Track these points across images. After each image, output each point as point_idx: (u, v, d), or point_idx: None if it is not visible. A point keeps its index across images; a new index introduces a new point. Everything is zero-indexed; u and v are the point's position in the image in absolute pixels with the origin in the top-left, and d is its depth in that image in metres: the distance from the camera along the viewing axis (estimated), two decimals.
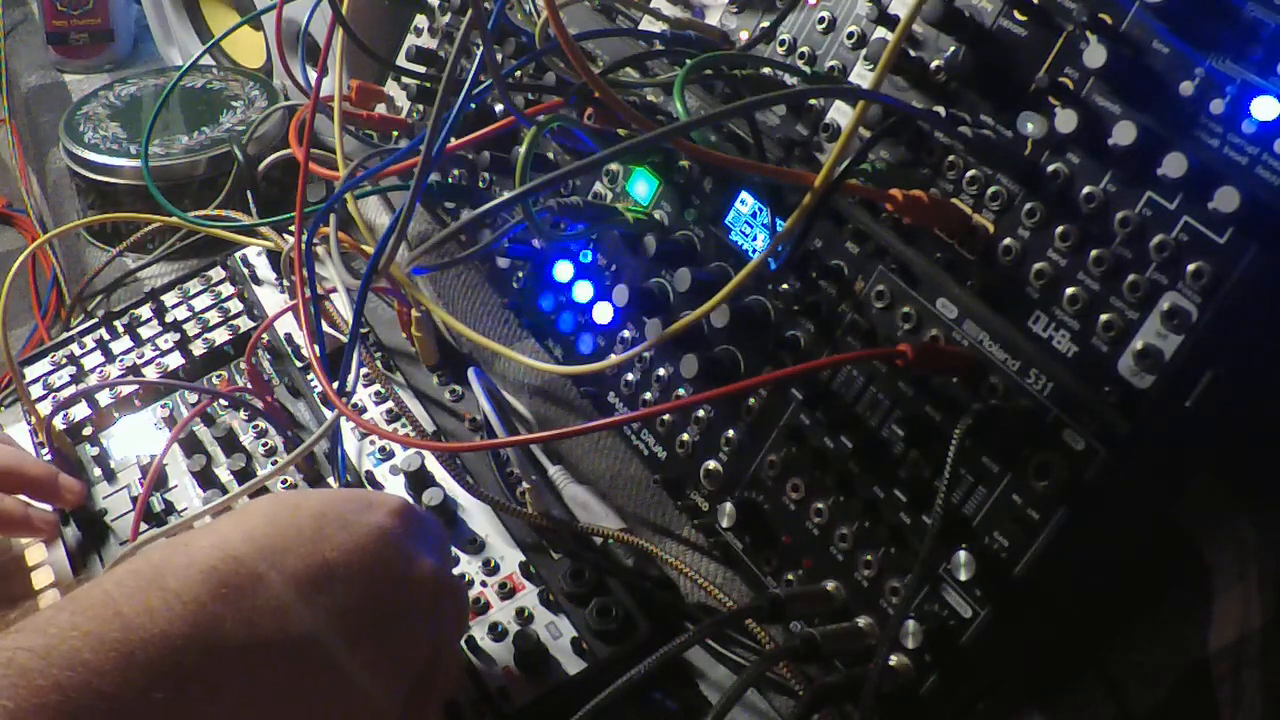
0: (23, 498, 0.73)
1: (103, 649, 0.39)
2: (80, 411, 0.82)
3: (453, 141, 0.68)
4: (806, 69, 0.66)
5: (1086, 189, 0.52)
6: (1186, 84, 0.50)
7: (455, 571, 0.66)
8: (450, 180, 0.89)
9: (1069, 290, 0.52)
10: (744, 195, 0.67)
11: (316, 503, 0.51)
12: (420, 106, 0.96)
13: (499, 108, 0.81)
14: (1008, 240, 0.55)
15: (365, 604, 0.48)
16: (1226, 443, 0.52)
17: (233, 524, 0.48)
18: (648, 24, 0.78)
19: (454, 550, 0.67)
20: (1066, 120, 0.52)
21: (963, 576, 0.52)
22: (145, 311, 0.92)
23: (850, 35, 0.65)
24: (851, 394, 0.59)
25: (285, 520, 0.49)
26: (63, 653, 0.39)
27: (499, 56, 0.84)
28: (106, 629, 0.40)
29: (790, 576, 0.61)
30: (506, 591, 0.65)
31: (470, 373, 0.77)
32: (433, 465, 0.72)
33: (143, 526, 0.72)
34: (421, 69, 0.91)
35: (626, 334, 0.74)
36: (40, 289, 1.53)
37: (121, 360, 0.87)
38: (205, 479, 0.75)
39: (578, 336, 0.77)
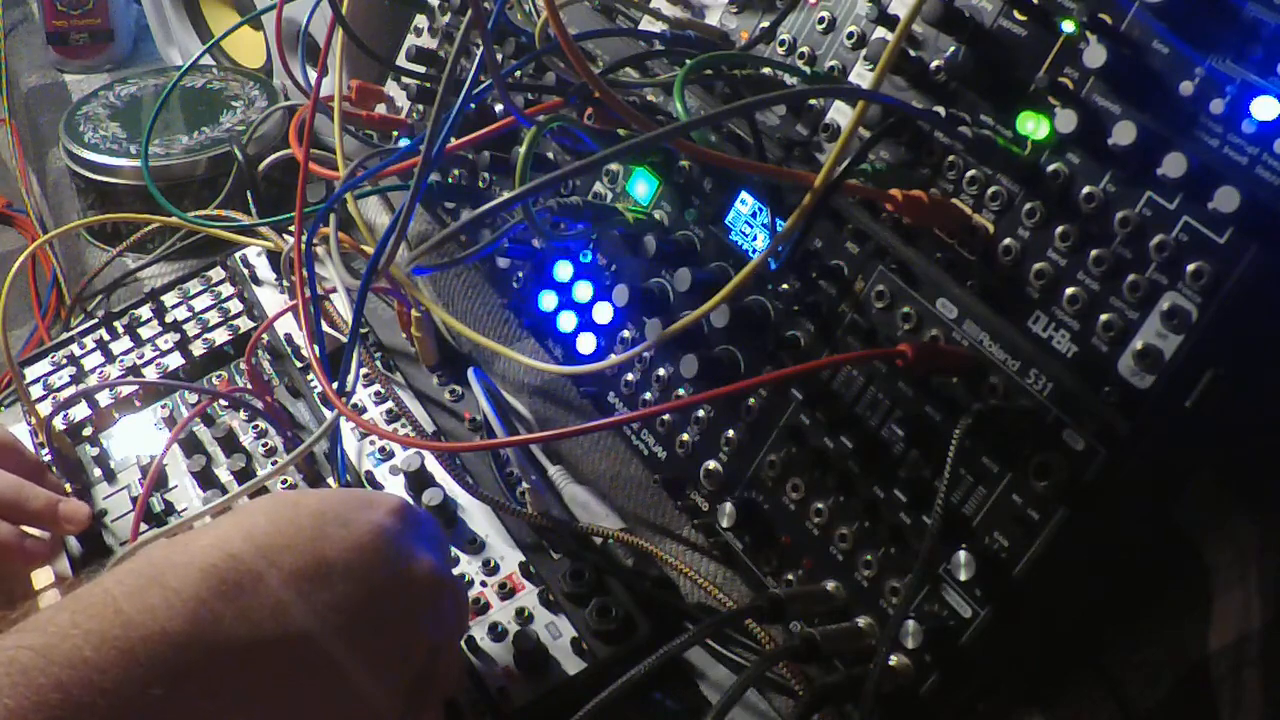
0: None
1: (103, 646, 0.39)
2: (80, 412, 0.82)
3: (453, 141, 0.68)
4: (806, 69, 0.66)
5: (1086, 189, 0.52)
6: (1186, 84, 0.50)
7: (455, 572, 0.66)
8: (450, 180, 0.89)
9: (1069, 290, 0.52)
10: (744, 195, 0.67)
11: (316, 501, 0.51)
12: (420, 106, 0.96)
13: (499, 108, 0.80)
14: (1008, 240, 0.55)
15: (364, 602, 0.48)
16: (1226, 443, 0.52)
17: (232, 523, 0.48)
18: (648, 24, 0.78)
19: (454, 550, 0.67)
20: (1066, 120, 0.52)
21: (963, 576, 0.52)
22: (145, 312, 0.92)
23: (850, 35, 0.65)
24: (851, 394, 0.59)
25: (285, 518, 0.49)
26: (63, 651, 0.39)
27: (499, 56, 0.84)
28: (107, 627, 0.40)
29: (790, 576, 0.61)
30: (506, 592, 0.65)
31: (470, 373, 0.77)
32: (432, 465, 0.72)
33: (143, 527, 0.71)
34: (421, 69, 0.91)
35: (626, 334, 0.74)
36: (40, 289, 1.53)
37: (121, 360, 0.87)
38: (205, 479, 0.75)
39: (578, 336, 0.77)
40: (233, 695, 0.42)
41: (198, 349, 0.86)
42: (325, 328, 0.76)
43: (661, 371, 0.71)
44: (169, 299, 0.93)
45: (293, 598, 0.45)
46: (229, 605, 0.43)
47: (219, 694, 0.42)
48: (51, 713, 0.37)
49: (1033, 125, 0.55)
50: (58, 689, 0.38)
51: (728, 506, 0.64)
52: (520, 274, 0.83)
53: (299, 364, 0.83)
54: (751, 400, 0.65)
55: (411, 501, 0.70)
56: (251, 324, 0.88)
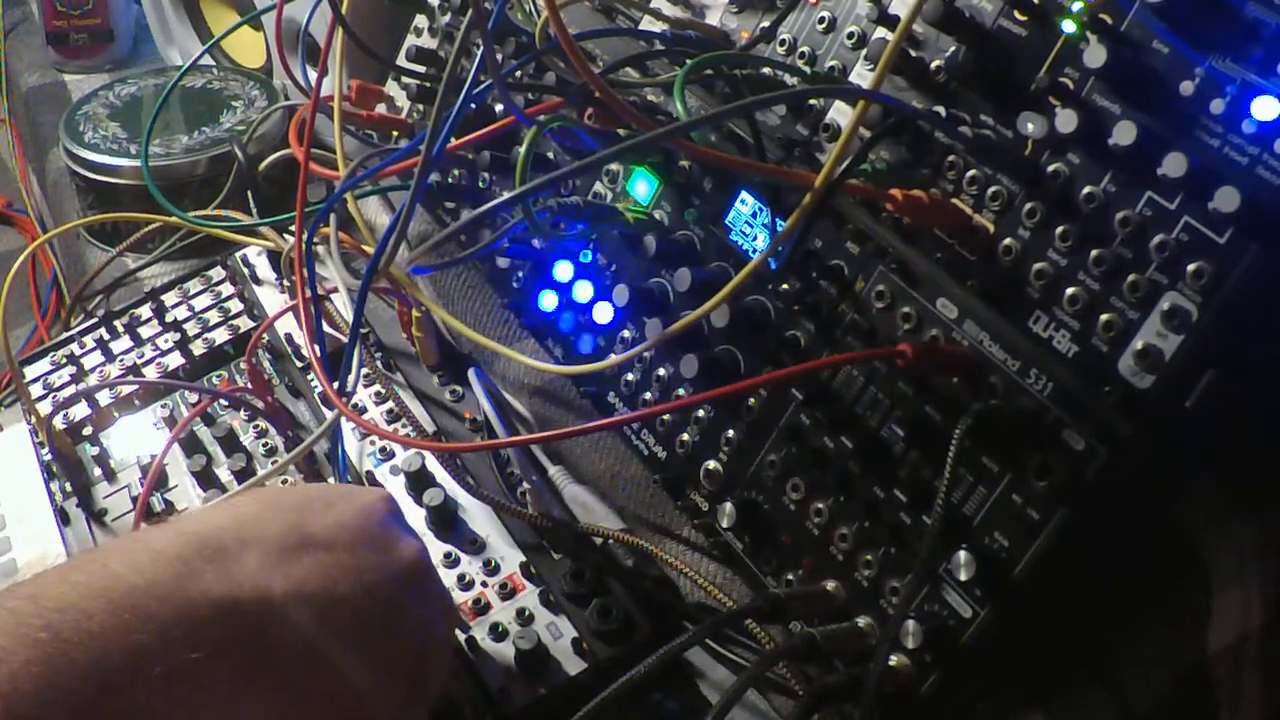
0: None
1: (90, 595, 0.41)
2: (80, 411, 0.82)
3: (453, 141, 0.68)
4: (807, 69, 0.66)
5: (1087, 189, 0.52)
6: (1186, 84, 0.50)
7: (456, 572, 0.66)
8: (450, 180, 0.89)
9: (1069, 290, 0.52)
10: (744, 195, 0.67)
11: (302, 489, 0.55)
12: (420, 106, 0.95)
13: (499, 108, 0.81)
14: (1008, 240, 0.55)
15: (348, 572, 0.49)
16: (1227, 443, 0.52)
17: (220, 506, 0.51)
18: (648, 24, 0.78)
19: (455, 550, 0.67)
20: (1066, 120, 0.52)
21: (963, 576, 0.52)
22: (145, 311, 0.92)
23: (850, 35, 0.65)
24: (851, 394, 0.59)
25: (270, 502, 0.51)
26: (52, 597, 0.41)
27: (499, 56, 0.84)
28: (94, 579, 0.42)
29: (790, 576, 0.61)
30: (507, 592, 0.65)
31: (470, 373, 0.77)
32: (433, 466, 0.72)
33: (143, 526, 0.71)
34: (421, 69, 0.91)
35: (626, 334, 0.74)
36: (40, 289, 1.53)
37: (121, 360, 0.87)
38: (205, 479, 0.75)
39: (578, 336, 0.77)
40: (214, 650, 0.43)
41: (198, 349, 0.86)
42: (326, 328, 0.76)
43: (661, 371, 0.71)
44: (169, 298, 0.93)
45: (273, 561, 0.47)
46: (210, 564, 0.45)
47: (201, 645, 0.42)
48: (40, 649, 0.38)
49: (1033, 125, 0.55)
50: (46, 629, 0.39)
51: (728, 506, 0.64)
52: (520, 274, 0.82)
53: (299, 364, 0.83)
54: (751, 400, 0.65)
55: (412, 501, 0.70)
56: (252, 324, 0.88)
